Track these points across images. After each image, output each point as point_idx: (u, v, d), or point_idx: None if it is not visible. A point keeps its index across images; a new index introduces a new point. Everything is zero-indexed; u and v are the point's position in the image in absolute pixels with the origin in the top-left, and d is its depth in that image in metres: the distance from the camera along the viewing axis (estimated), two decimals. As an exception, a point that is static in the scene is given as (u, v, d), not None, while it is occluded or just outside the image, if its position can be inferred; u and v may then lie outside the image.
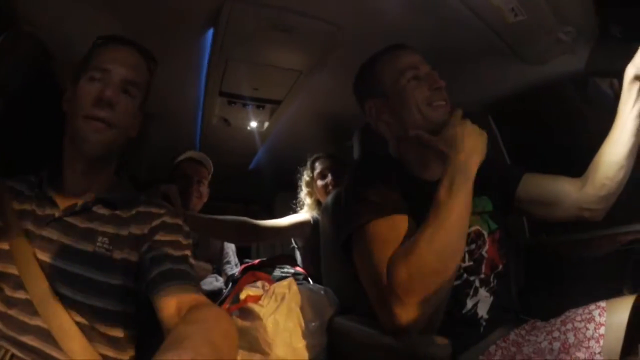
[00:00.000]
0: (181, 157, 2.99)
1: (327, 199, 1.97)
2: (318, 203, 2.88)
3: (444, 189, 1.33)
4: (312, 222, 2.76)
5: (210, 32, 2.03)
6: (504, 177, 1.71)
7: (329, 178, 2.80)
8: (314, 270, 2.41)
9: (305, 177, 2.95)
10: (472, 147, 1.37)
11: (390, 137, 1.68)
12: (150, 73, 1.44)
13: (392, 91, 1.58)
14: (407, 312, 1.26)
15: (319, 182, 2.84)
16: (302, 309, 1.81)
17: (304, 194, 2.96)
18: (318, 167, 2.89)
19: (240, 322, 1.75)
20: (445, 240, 1.27)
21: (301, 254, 2.88)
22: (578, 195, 1.58)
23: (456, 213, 1.30)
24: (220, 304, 2.08)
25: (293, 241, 3.01)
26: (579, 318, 1.34)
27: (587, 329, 1.30)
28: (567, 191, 1.60)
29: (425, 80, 1.55)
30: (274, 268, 2.23)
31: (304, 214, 2.84)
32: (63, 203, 1.31)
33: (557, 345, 1.32)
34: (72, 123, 1.29)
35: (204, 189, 2.96)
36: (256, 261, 2.48)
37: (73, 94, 1.32)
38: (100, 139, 1.28)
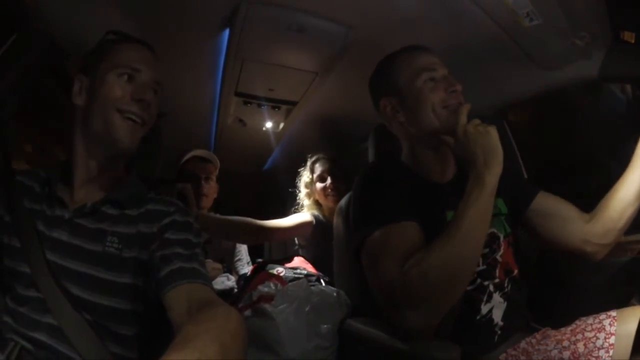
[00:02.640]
0: (187, 157, 2.98)
1: (341, 202, 1.97)
2: (317, 203, 2.92)
3: (462, 200, 1.34)
4: (314, 222, 2.78)
5: (227, 32, 2.03)
6: (519, 190, 1.71)
7: (328, 181, 2.82)
8: (315, 270, 2.41)
9: (305, 178, 2.97)
10: (488, 159, 1.36)
11: (403, 137, 1.68)
12: None
13: (407, 91, 1.57)
14: (419, 317, 1.26)
15: (318, 185, 2.87)
16: (314, 310, 1.81)
17: (303, 194, 2.99)
18: (318, 169, 2.90)
19: (252, 322, 1.76)
20: (460, 249, 1.26)
21: (303, 254, 2.88)
22: (584, 227, 1.60)
23: (471, 223, 1.29)
24: (233, 303, 2.09)
25: (296, 241, 3.02)
26: (589, 327, 1.33)
27: (597, 338, 1.29)
28: (576, 220, 1.62)
29: (442, 83, 1.54)
30: (285, 268, 2.23)
31: (306, 214, 2.86)
32: (72, 203, 1.31)
33: (567, 354, 1.32)
34: (100, 117, 1.29)
35: (213, 185, 2.96)
36: (264, 261, 2.50)
37: (92, 86, 1.32)
38: (134, 138, 1.30)
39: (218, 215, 2.68)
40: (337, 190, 2.77)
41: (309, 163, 2.97)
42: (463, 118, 1.42)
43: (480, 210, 1.32)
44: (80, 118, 1.34)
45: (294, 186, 3.08)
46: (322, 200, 2.87)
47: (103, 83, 1.30)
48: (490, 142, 1.37)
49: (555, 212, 1.65)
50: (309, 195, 2.95)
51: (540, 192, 1.69)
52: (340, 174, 2.84)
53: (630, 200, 1.53)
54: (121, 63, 1.31)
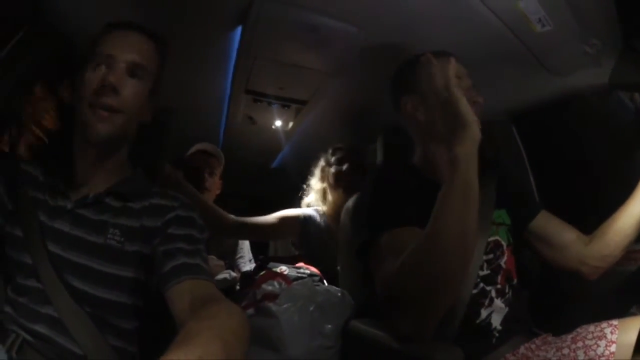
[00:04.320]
0: (192, 150, 2.99)
1: (348, 202, 1.96)
2: (324, 195, 2.75)
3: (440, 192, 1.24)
4: (301, 218, 2.68)
5: (239, 29, 2.04)
6: (523, 204, 1.75)
7: (345, 167, 2.65)
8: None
9: (322, 162, 2.80)
10: (457, 132, 1.24)
11: (418, 137, 1.70)
12: (160, 55, 1.42)
13: (431, 93, 1.56)
14: (406, 322, 1.25)
15: (334, 168, 2.70)
16: (318, 310, 1.81)
17: (316, 178, 2.82)
18: (338, 153, 2.76)
19: (256, 321, 1.76)
20: (438, 245, 1.17)
21: (299, 253, 2.84)
22: (583, 250, 1.64)
23: (451, 210, 1.19)
24: (235, 301, 2.09)
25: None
26: (590, 335, 1.34)
27: (598, 346, 1.29)
28: (575, 242, 1.66)
29: (466, 92, 1.51)
30: (289, 267, 2.22)
31: (295, 210, 2.76)
32: (75, 194, 1.32)
33: None
34: (79, 112, 1.29)
35: (217, 180, 2.97)
36: (266, 258, 2.48)
37: (80, 82, 1.31)
38: (107, 127, 1.27)
39: (201, 197, 2.62)
40: (350, 179, 2.62)
41: (330, 149, 2.82)
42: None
43: (458, 193, 1.20)
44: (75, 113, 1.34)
45: (302, 184, 3.04)
46: (331, 189, 2.71)
47: (82, 80, 1.29)
48: (454, 108, 1.26)
49: (553, 237, 1.69)
50: (323, 178, 2.77)
51: (541, 213, 1.72)
52: (359, 165, 2.68)
53: (628, 232, 1.56)
54: (97, 53, 1.31)
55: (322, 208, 2.75)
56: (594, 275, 1.65)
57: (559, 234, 1.68)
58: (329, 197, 2.72)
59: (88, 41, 1.38)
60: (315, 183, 2.82)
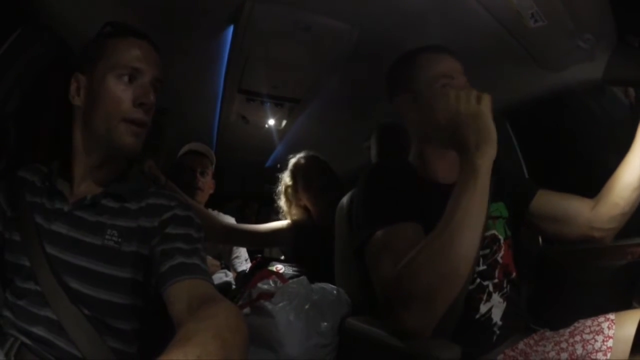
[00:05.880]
0: (183, 150, 3.00)
1: (342, 200, 1.96)
2: (304, 209, 2.64)
3: (455, 189, 1.28)
4: (293, 228, 2.60)
5: (231, 29, 2.03)
6: (519, 190, 1.73)
7: (317, 182, 2.57)
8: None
9: (287, 181, 2.68)
10: (480, 142, 1.27)
11: (413, 135, 1.70)
12: None
13: (424, 91, 1.58)
14: (413, 317, 1.25)
15: (305, 189, 2.60)
16: (314, 308, 1.80)
17: (283, 201, 2.70)
18: (301, 171, 2.63)
19: (252, 320, 1.76)
20: (452, 243, 1.21)
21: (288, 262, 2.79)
22: (590, 215, 1.61)
23: (464, 215, 1.23)
24: (232, 300, 2.08)
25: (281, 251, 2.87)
26: (587, 330, 1.34)
27: (596, 341, 1.29)
28: (580, 209, 1.63)
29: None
30: (285, 265, 2.22)
31: (286, 221, 2.67)
32: (72, 196, 1.31)
33: (564, 356, 1.33)
34: (102, 122, 1.27)
35: (208, 180, 2.97)
36: (263, 257, 2.46)
37: (91, 86, 1.29)
38: (137, 141, 1.29)
39: (193, 202, 2.58)
40: (321, 185, 2.55)
41: (290, 166, 2.70)
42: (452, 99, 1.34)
43: (474, 199, 1.24)
44: (80, 118, 1.32)
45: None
46: (311, 206, 2.61)
47: (103, 85, 1.27)
48: (482, 122, 1.28)
49: (557, 210, 1.67)
50: (290, 202, 2.66)
51: (539, 192, 1.71)
52: (328, 173, 2.63)
53: (633, 183, 1.53)
54: (120, 62, 1.28)
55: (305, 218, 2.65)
56: (608, 237, 1.63)
57: (562, 205, 1.67)
58: (312, 209, 2.63)
59: (91, 40, 1.36)
60: (284, 204, 2.70)
